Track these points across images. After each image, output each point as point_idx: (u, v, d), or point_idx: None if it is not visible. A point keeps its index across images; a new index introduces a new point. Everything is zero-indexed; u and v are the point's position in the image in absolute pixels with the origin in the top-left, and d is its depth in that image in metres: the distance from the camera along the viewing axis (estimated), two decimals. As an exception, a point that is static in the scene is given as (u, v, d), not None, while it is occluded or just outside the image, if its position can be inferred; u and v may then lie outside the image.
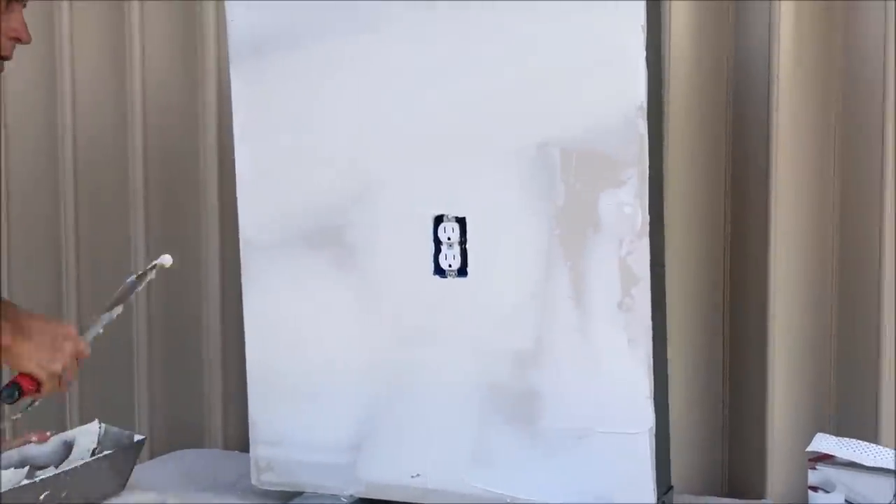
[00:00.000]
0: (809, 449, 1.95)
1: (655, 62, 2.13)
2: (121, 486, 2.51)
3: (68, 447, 2.52)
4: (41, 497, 2.24)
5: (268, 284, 2.38)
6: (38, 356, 1.88)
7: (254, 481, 2.47)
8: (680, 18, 2.51)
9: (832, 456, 1.95)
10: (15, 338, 1.84)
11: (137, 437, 2.56)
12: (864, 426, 2.38)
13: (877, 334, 2.41)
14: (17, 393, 1.96)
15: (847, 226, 2.45)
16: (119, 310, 2.23)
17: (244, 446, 2.77)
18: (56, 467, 2.40)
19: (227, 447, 2.99)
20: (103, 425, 2.59)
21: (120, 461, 2.50)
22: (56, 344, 1.92)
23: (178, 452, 2.86)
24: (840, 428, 2.27)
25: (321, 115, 2.33)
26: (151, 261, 2.24)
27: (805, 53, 2.44)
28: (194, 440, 3.00)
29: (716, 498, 2.47)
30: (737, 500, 2.44)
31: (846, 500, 1.93)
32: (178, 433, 3.03)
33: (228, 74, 2.38)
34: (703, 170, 2.52)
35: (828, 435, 2.01)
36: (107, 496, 2.47)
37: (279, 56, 2.33)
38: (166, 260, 2.17)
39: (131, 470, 2.53)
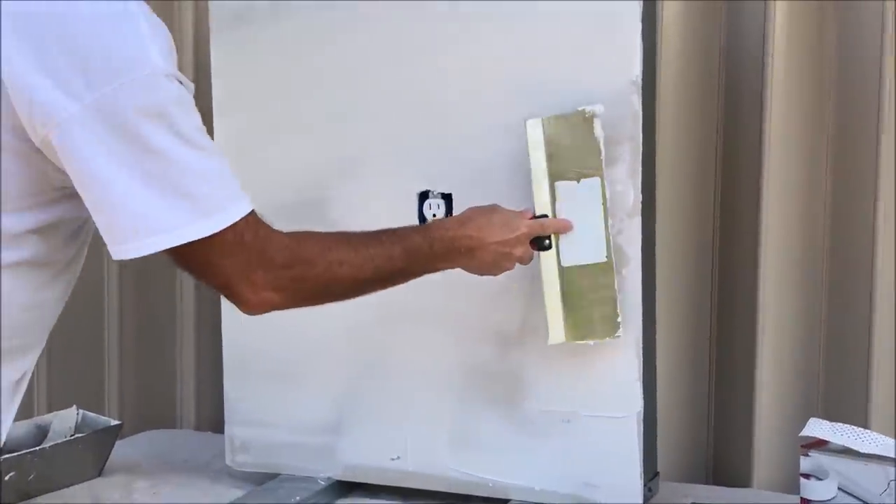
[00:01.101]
0: (803, 434, 1.91)
1: (650, 38, 2.09)
2: (97, 470, 2.46)
3: (42, 431, 2.47)
4: (6, 478, 2.19)
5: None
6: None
7: (228, 462, 2.42)
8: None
9: (826, 442, 1.91)
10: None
11: (113, 422, 2.51)
12: (854, 415, 2.35)
13: (867, 322, 2.37)
14: None
15: (839, 213, 2.42)
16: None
17: (217, 426, 2.72)
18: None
19: (199, 428, 2.93)
20: (81, 411, 2.55)
21: (94, 445, 2.45)
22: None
23: (150, 433, 2.81)
24: (828, 417, 2.23)
25: (302, 86, 2.27)
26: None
27: (798, 33, 2.40)
28: (166, 420, 2.94)
29: (701, 485, 2.44)
30: (723, 488, 2.40)
31: (839, 489, 1.88)
32: (150, 413, 2.97)
33: (207, 57, 2.34)
34: (693, 154, 2.48)
35: (821, 420, 1.97)
36: (82, 479, 2.43)
37: (260, 25, 2.28)
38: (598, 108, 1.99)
39: (108, 454, 2.48)
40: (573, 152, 1.97)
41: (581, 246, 1.97)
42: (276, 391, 2.35)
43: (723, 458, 2.51)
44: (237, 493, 2.34)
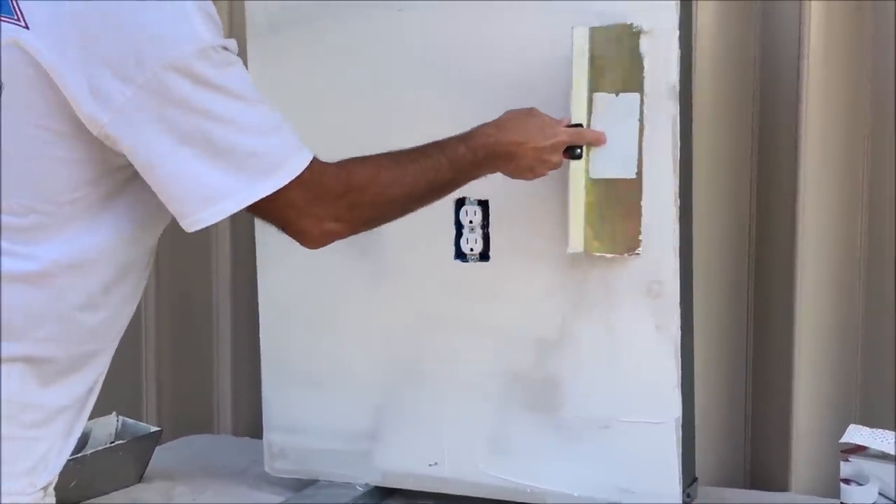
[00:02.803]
0: (842, 440, 1.91)
1: (686, 44, 2.08)
2: (137, 476, 2.48)
3: (83, 438, 2.49)
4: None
5: (283, 268, 2.33)
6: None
7: (266, 468, 2.43)
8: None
9: (865, 448, 1.90)
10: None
11: (153, 429, 2.53)
12: (891, 420, 2.34)
13: (906, 327, 2.36)
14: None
15: (876, 217, 2.41)
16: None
17: (254, 432, 2.74)
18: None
19: (236, 433, 2.94)
20: (120, 418, 2.57)
21: (134, 452, 2.48)
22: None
23: (188, 438, 2.82)
24: (866, 422, 2.22)
25: (337, 93, 2.28)
26: None
27: (834, 35, 2.40)
28: (203, 426, 2.96)
29: (739, 490, 2.43)
30: (760, 492, 2.40)
31: (880, 494, 1.88)
32: (187, 418, 2.99)
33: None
34: (730, 159, 2.48)
35: (861, 426, 1.96)
36: (123, 486, 2.45)
37: (295, 33, 2.29)
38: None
39: (148, 461, 2.50)
40: (616, 65, 1.95)
41: (612, 160, 1.96)
42: (315, 397, 2.36)
43: (760, 463, 2.51)
44: (276, 499, 2.36)
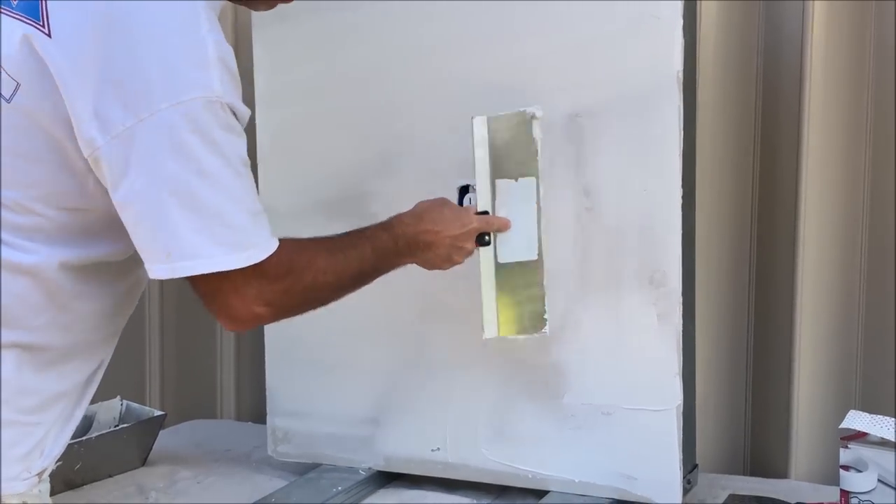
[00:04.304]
0: (842, 426, 1.92)
1: (690, 32, 2.09)
2: (141, 459, 2.50)
3: (87, 422, 2.50)
4: (53, 467, 2.22)
5: (287, 253, 2.34)
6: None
7: (270, 452, 2.45)
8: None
9: (865, 434, 1.92)
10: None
11: (157, 413, 2.55)
12: (891, 407, 2.35)
13: (906, 315, 2.38)
14: None
15: (877, 207, 2.42)
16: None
17: (257, 417, 2.76)
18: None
19: (239, 418, 2.96)
20: (125, 402, 2.59)
21: (139, 435, 2.49)
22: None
23: (192, 423, 2.84)
24: (866, 409, 2.23)
25: (344, 81, 2.29)
26: None
27: (836, 31, 2.40)
28: (206, 411, 2.98)
29: (740, 476, 2.45)
30: (761, 479, 2.41)
31: (879, 480, 1.89)
32: (191, 403, 3.00)
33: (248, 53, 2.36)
34: (733, 150, 2.49)
35: (861, 412, 1.97)
36: (127, 469, 2.46)
37: (302, 20, 2.29)
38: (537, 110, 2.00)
39: (152, 444, 2.52)
40: (513, 151, 1.98)
41: (516, 243, 1.97)
42: (318, 383, 2.37)
43: (761, 450, 2.52)
44: (279, 482, 2.37)
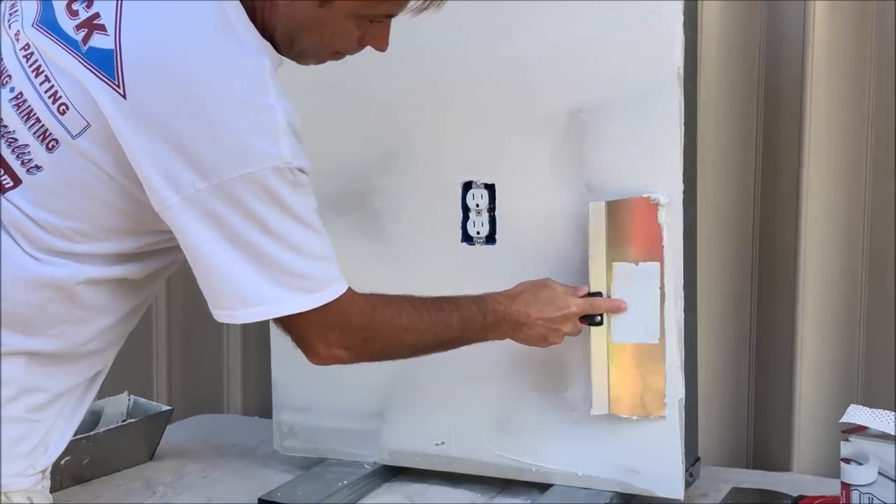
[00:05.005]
0: (843, 420, 1.93)
1: (691, 28, 2.10)
2: (149, 454, 2.52)
3: (95, 417, 2.52)
4: (61, 462, 2.24)
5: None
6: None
7: (276, 447, 2.46)
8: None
9: (866, 428, 1.93)
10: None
11: (164, 408, 2.56)
12: (893, 399, 2.37)
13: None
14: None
15: (879, 203, 2.43)
16: None
17: (263, 411, 2.77)
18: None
19: (246, 413, 2.98)
20: (132, 397, 2.60)
21: (146, 430, 2.51)
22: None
23: (198, 417, 2.86)
24: (868, 402, 2.24)
25: (348, 77, 2.29)
26: None
27: (838, 31, 2.41)
28: (213, 405, 2.99)
29: (742, 469, 2.46)
30: (763, 472, 2.42)
31: (880, 473, 1.91)
32: (197, 398, 3.02)
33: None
34: (734, 147, 2.50)
35: (861, 406, 1.98)
36: (134, 464, 2.48)
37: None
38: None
39: (159, 439, 2.53)
40: (635, 236, 2.02)
41: (633, 325, 2.04)
42: (324, 377, 2.34)
43: (763, 443, 2.54)
44: (285, 476, 2.39)
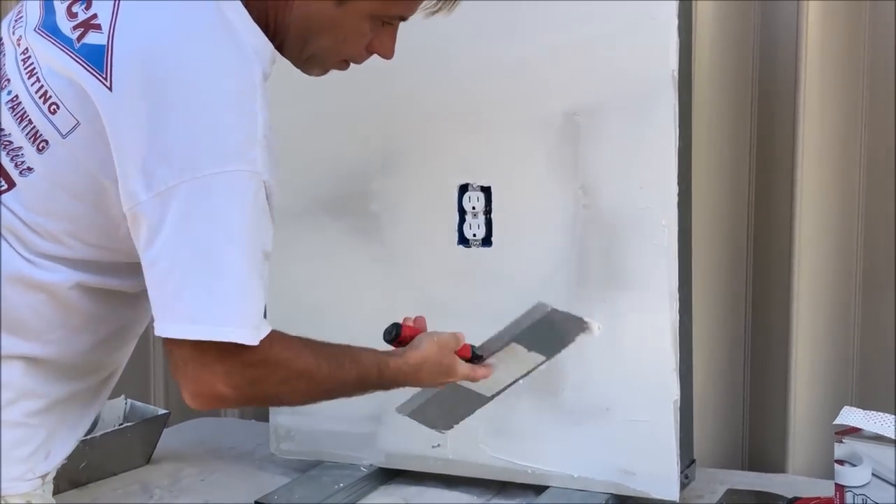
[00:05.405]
0: (836, 422, 1.94)
1: (685, 31, 2.12)
2: (146, 457, 2.52)
3: (93, 420, 2.52)
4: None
5: (289, 252, 2.35)
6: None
7: (273, 450, 2.47)
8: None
9: (859, 429, 1.94)
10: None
11: (161, 411, 2.57)
12: (887, 403, 2.37)
13: (902, 310, 2.40)
14: (395, 332, 1.90)
15: (873, 204, 2.44)
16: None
17: (260, 415, 2.77)
18: (79, 440, 2.41)
19: (243, 416, 2.98)
20: (129, 401, 2.61)
21: (143, 434, 2.51)
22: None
23: (195, 421, 2.85)
24: (862, 404, 2.25)
25: (345, 81, 2.30)
26: None
27: (831, 31, 2.42)
28: (210, 409, 2.98)
29: (737, 471, 2.47)
30: (758, 474, 2.43)
31: (873, 474, 1.91)
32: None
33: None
34: (729, 148, 2.51)
35: (855, 408, 1.99)
36: (131, 468, 2.48)
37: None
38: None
39: (156, 443, 2.54)
40: (547, 336, 1.92)
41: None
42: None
43: (758, 445, 2.54)
44: (282, 479, 2.39)
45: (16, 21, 1.57)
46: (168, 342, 1.43)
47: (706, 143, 2.45)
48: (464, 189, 2.22)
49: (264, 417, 2.52)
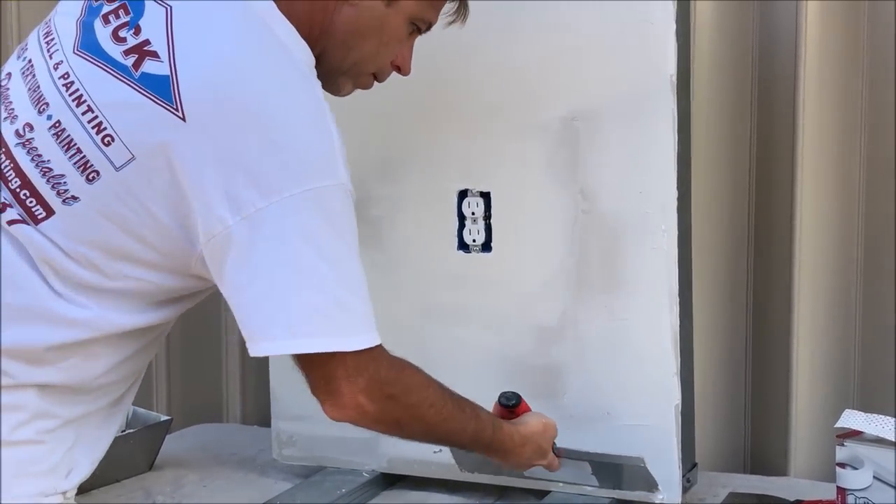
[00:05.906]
0: (837, 425, 1.94)
1: (684, 36, 2.12)
2: (148, 464, 2.52)
3: (95, 429, 2.52)
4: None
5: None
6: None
7: (275, 455, 2.47)
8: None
9: (861, 432, 1.94)
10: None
11: (163, 417, 2.57)
12: (888, 406, 2.37)
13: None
14: (515, 401, 1.96)
15: (873, 206, 2.44)
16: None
17: (262, 420, 2.78)
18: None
19: (245, 422, 2.98)
20: (131, 407, 2.60)
21: (145, 440, 2.51)
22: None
23: (197, 427, 2.86)
24: (864, 407, 2.25)
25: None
26: None
27: (830, 32, 2.42)
28: (212, 415, 3.00)
29: (739, 474, 2.47)
30: (760, 477, 2.43)
31: (875, 478, 1.91)
32: (196, 408, 3.03)
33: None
34: (728, 152, 2.51)
35: (856, 411, 1.99)
36: (134, 474, 2.48)
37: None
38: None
39: (158, 449, 2.54)
40: (617, 478, 2.10)
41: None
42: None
43: (760, 448, 2.54)
44: (284, 485, 2.40)
45: (47, 42, 1.55)
46: (303, 362, 1.49)
47: (706, 144, 2.45)
48: (463, 194, 2.22)
49: (266, 423, 2.52)
